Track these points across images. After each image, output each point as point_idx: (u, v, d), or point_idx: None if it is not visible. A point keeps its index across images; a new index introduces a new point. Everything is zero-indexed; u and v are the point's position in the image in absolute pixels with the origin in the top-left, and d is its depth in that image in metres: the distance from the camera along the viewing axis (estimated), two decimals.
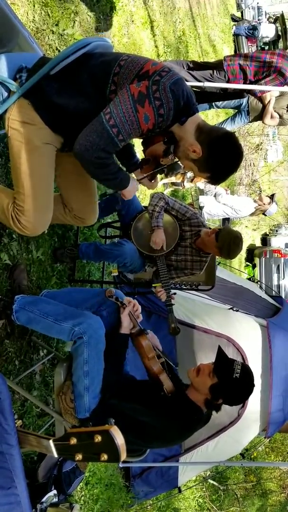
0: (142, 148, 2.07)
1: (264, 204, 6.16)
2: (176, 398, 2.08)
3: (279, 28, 11.18)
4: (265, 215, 6.71)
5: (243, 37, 10.99)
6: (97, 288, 3.40)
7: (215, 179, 2.02)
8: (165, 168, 2.11)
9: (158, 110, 1.71)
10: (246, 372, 2.04)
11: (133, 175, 2.23)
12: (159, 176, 2.36)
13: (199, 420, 2.08)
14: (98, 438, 1.03)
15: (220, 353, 2.12)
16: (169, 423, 2.00)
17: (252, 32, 10.85)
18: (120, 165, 2.21)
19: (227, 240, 2.90)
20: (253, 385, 2.06)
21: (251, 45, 11.11)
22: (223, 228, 3.04)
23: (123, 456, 1.04)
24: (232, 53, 11.02)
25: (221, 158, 1.89)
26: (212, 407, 2.09)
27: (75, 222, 2.47)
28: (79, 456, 1.07)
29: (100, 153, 1.75)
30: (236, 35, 11.25)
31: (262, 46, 11.47)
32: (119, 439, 1.02)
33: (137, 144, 2.23)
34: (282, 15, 11.58)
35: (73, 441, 1.07)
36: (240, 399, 2.16)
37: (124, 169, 2.32)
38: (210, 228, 3.08)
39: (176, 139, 1.92)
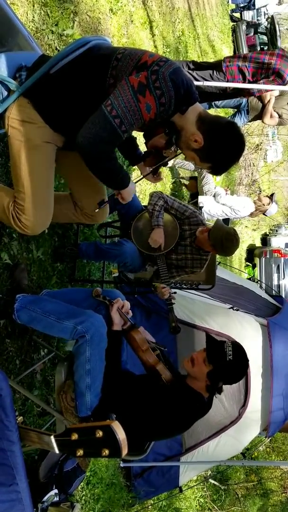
0: (144, 141, 2.06)
1: (264, 204, 6.17)
2: (176, 386, 2.10)
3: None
4: (266, 215, 6.72)
5: (242, 36, 11.02)
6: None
7: (216, 169, 2.00)
8: (168, 161, 2.11)
9: (160, 99, 1.70)
10: (238, 351, 2.08)
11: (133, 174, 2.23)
12: None
13: (202, 407, 2.10)
14: (99, 433, 1.03)
15: (209, 339, 2.14)
16: (171, 411, 2.01)
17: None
18: (123, 159, 2.21)
19: (218, 237, 2.88)
20: (248, 361, 2.11)
21: (251, 45, 11.15)
22: (214, 224, 3.01)
23: (125, 451, 1.04)
24: (231, 53, 11.07)
25: (222, 147, 1.87)
26: (214, 391, 2.12)
27: (86, 220, 2.46)
28: (80, 452, 1.07)
29: (104, 145, 1.73)
30: (233, 21, 11.38)
31: (261, 46, 11.50)
32: (120, 434, 1.02)
33: (140, 139, 2.23)
34: (272, 16, 11.64)
35: (75, 436, 1.07)
36: (238, 377, 2.17)
37: (128, 162, 2.32)
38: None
39: (177, 129, 1.91)
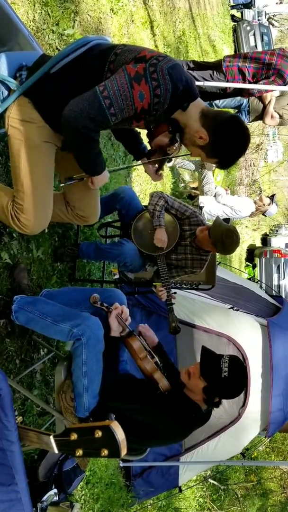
0: (148, 141, 2.05)
1: (264, 204, 6.18)
2: (173, 396, 2.07)
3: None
4: (265, 216, 6.73)
5: (242, 36, 11.04)
6: (96, 288, 3.40)
7: (223, 164, 2.00)
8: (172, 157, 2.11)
9: (155, 90, 1.69)
10: (235, 367, 2.01)
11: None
12: None
13: (198, 418, 2.07)
14: (98, 434, 1.04)
15: (204, 354, 2.09)
16: (167, 421, 1.98)
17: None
18: (127, 153, 2.19)
19: (218, 234, 2.87)
20: (246, 377, 2.06)
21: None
22: (214, 222, 3.00)
23: (124, 451, 1.04)
24: (232, 53, 11.08)
25: (228, 142, 1.87)
26: (211, 404, 2.09)
27: (77, 221, 2.47)
28: (79, 452, 1.07)
29: (88, 122, 1.69)
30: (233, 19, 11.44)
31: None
32: (120, 434, 1.02)
33: (143, 139, 2.23)
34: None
35: (74, 436, 1.08)
36: (235, 394, 2.12)
37: (132, 157, 2.32)
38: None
39: (181, 127, 1.90)
